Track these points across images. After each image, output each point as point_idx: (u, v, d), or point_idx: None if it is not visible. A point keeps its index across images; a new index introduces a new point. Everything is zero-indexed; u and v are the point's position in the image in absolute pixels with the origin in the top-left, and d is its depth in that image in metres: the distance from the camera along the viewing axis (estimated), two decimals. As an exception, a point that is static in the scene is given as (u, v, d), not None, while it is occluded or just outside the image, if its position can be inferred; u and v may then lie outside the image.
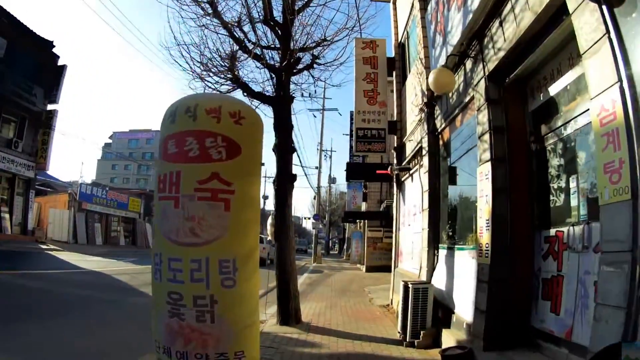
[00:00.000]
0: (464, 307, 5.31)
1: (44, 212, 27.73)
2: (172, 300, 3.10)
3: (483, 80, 5.14)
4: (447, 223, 6.68)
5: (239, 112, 3.31)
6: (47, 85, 23.49)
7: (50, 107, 24.16)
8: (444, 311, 6.00)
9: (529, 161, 4.82)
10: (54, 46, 24.37)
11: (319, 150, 31.67)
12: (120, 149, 73.05)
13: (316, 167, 31.88)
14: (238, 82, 7.82)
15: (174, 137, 3.29)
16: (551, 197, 4.48)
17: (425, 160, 7.26)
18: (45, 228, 27.18)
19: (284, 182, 7.56)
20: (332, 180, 48.97)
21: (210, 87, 7.86)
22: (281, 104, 7.79)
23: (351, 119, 23.57)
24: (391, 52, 11.65)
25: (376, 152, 10.72)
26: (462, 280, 5.59)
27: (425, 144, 7.37)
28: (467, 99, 5.70)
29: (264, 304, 8.51)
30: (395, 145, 10.67)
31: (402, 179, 10.22)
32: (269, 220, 7.74)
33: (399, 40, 11.32)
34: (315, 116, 33.79)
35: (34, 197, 24.56)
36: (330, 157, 48.44)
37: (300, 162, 33.57)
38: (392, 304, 10.04)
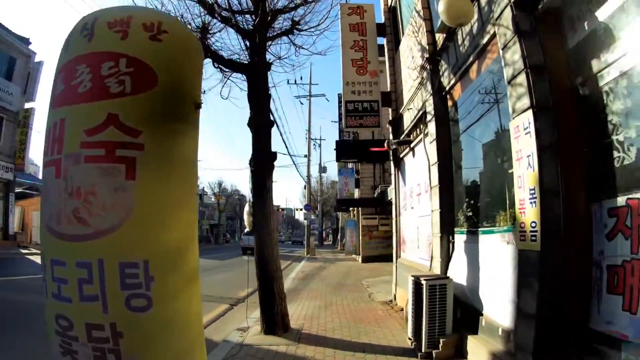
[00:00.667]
0: (498, 308, 4.08)
1: (28, 215, 26.28)
2: (60, 328, 1.85)
3: (509, 8, 3.89)
4: (464, 201, 5.42)
5: (158, 25, 2.02)
6: (24, 83, 22.91)
7: (27, 105, 23.40)
8: (466, 312, 4.78)
9: (578, 109, 3.58)
10: (30, 43, 23.54)
11: (308, 137, 30.37)
12: None
13: (305, 156, 30.58)
14: (207, 51, 6.52)
15: (63, 70, 2.01)
16: (615, 154, 3.25)
17: (432, 127, 5.99)
18: (30, 232, 25.70)
19: (262, 161, 6.29)
20: (322, 169, 47.74)
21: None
22: (256, 71, 6.53)
23: (339, 102, 22.27)
24: (381, 19, 10.38)
25: (369, 127, 9.39)
26: (492, 272, 4.35)
27: (430, 108, 6.09)
28: (485, 40, 4.43)
29: (246, 307, 7.32)
30: (391, 118, 9.41)
31: (401, 155, 8.94)
32: (246, 209, 6.45)
33: (389, 4, 10.04)
34: (302, 103, 32.37)
35: (14, 200, 23.42)
36: (320, 145, 47.12)
37: (288, 151, 32.27)
38: (395, 299, 8.85)
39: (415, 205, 7.62)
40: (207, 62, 6.66)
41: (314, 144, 44.91)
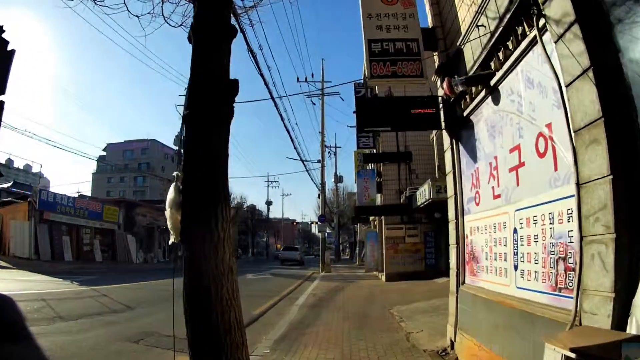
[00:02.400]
0: None
1: (6, 225, 23.63)
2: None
3: None
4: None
5: None
6: (-5, 75, 19.82)
7: (-3, 98, 20.28)
8: None
9: None
10: (3, 31, 20.84)
11: (321, 140, 27.22)
12: (115, 161, 69.03)
13: (318, 161, 27.38)
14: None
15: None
16: None
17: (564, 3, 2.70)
18: (7, 244, 23.03)
19: (207, 98, 3.09)
20: (338, 179, 44.47)
21: None
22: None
23: (356, 92, 19.13)
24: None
25: (407, 78, 5.99)
26: None
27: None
28: None
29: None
30: (439, 63, 6.13)
31: (465, 113, 5.49)
32: (170, 194, 3.05)
33: None
34: (314, 103, 29.44)
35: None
36: (335, 153, 44.00)
37: (300, 155, 29.05)
38: (452, 348, 5.52)
39: (508, 190, 4.22)
40: None
41: (329, 152, 41.82)
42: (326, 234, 29.21)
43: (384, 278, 17.12)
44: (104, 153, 79.24)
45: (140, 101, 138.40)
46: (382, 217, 17.89)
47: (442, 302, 9.45)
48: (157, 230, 37.24)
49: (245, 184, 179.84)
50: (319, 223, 25.76)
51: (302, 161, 26.74)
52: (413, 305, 9.88)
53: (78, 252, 26.57)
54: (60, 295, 10.80)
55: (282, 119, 20.49)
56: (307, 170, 28.50)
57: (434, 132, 15.43)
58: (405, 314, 8.82)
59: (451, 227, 6.06)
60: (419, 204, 15.48)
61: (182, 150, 37.42)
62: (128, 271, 21.92)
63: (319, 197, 27.57)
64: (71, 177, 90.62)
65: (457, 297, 5.70)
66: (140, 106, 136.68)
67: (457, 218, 5.81)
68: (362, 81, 20.63)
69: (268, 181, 67.22)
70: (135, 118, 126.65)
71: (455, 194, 5.91)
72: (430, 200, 13.85)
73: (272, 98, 19.25)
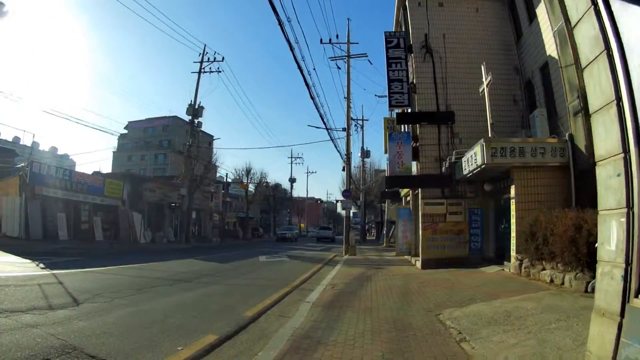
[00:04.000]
0: None
1: (-2, 201, 21.75)
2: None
3: None
4: None
5: None
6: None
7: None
8: None
9: None
10: None
11: (347, 105, 24.08)
12: (137, 139, 67.49)
13: (344, 129, 24.31)
14: None
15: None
16: None
17: None
18: (-1, 222, 21.21)
19: None
20: (365, 154, 41.34)
21: None
22: None
23: (386, 43, 15.87)
24: None
25: None
26: None
27: None
28: None
29: None
30: None
31: None
32: None
33: None
34: (339, 68, 26.23)
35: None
36: (362, 127, 40.88)
37: (325, 123, 26.09)
38: None
39: None
40: None
41: (355, 125, 38.62)
42: (351, 213, 26.36)
43: (419, 264, 14.16)
44: (126, 131, 78.02)
45: (162, 75, 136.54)
46: (419, 190, 14.82)
47: (511, 306, 6.60)
48: (168, 207, 35.20)
49: (267, 160, 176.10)
50: (343, 199, 22.82)
51: (327, 129, 23.81)
52: (470, 308, 6.95)
53: (75, 231, 24.42)
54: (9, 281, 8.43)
55: (306, 82, 17.38)
56: (332, 139, 25.51)
57: (485, 82, 12.25)
58: (464, 324, 5.89)
59: (603, 173, 3.06)
60: (465, 173, 12.40)
61: (194, 120, 35.45)
62: (126, 253, 19.66)
63: (343, 169, 24.60)
64: (95, 157, 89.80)
65: (620, 324, 2.73)
66: (162, 81, 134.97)
67: (626, 151, 2.79)
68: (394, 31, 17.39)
69: (292, 157, 64.55)
70: (156, 94, 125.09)
71: (620, 97, 2.88)
72: (482, 167, 10.80)
73: (293, 54, 16.32)
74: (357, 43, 43.20)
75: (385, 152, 21.92)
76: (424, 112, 14.66)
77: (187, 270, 13.12)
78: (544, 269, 8.99)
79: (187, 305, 7.46)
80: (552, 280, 8.44)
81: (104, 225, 27.71)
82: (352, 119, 35.26)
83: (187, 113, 31.81)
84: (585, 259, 7.20)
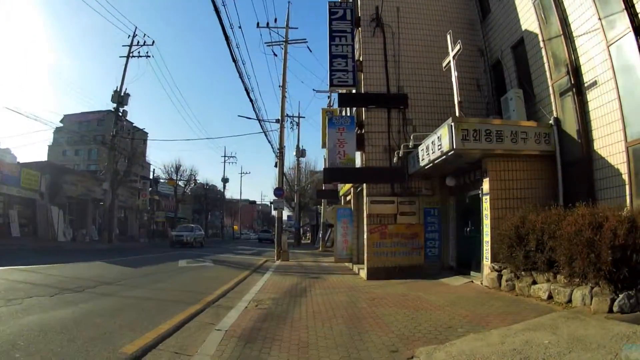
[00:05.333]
0: None
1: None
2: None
3: None
4: None
5: None
6: None
7: None
8: None
9: None
10: None
11: (282, 94, 21.52)
12: (71, 133, 60.96)
13: (277, 120, 21.68)
14: None
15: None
16: None
17: None
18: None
19: None
20: (300, 153, 38.92)
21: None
22: None
23: (331, 14, 13.49)
24: None
25: None
26: None
27: None
28: None
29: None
30: None
31: None
32: None
33: None
34: (275, 55, 23.64)
35: None
36: (298, 124, 38.54)
37: (256, 113, 23.43)
38: None
39: None
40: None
41: (291, 122, 36.15)
42: (285, 215, 23.81)
43: (364, 274, 11.84)
44: (61, 124, 71.06)
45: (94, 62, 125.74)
46: (363, 185, 12.54)
47: (520, 341, 4.45)
48: (92, 203, 31.36)
49: (201, 158, 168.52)
50: (274, 198, 20.17)
51: (258, 120, 21.11)
52: (457, 345, 4.62)
53: (-15, 227, 20.88)
54: None
55: (236, 62, 14.68)
56: (264, 132, 22.80)
57: (452, 53, 10.25)
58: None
59: None
60: (422, 164, 10.28)
61: (120, 109, 31.40)
62: (35, 252, 17.60)
63: (275, 165, 21.94)
64: (33, 151, 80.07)
65: None
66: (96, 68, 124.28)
67: None
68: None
69: (225, 156, 60.89)
70: (95, 82, 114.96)
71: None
72: (449, 155, 8.71)
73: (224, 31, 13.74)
74: (297, 28, 40.94)
75: (323, 147, 19.58)
76: (372, 93, 12.45)
77: (87, 275, 10.88)
78: (534, 282, 6.97)
79: (53, 331, 5.12)
80: (550, 297, 6.41)
81: (21, 220, 24.43)
82: (287, 115, 32.84)
83: (112, 100, 28.44)
84: (607, 268, 5.15)
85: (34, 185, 25.50)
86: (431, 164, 9.85)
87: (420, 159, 10.43)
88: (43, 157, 61.38)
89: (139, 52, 29.14)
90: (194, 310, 6.90)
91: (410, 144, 11.02)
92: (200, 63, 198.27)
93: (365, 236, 11.91)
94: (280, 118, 21.26)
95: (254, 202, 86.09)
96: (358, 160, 12.76)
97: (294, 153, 38.39)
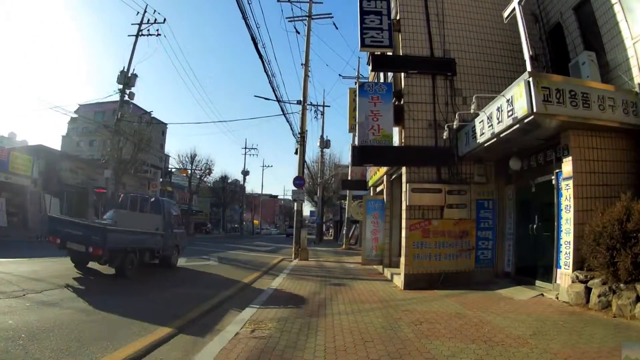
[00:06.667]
0: None
1: None
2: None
3: None
4: None
5: None
6: None
7: None
8: None
9: None
10: None
11: (304, 73, 19.26)
12: (86, 123, 60.21)
13: (299, 102, 19.41)
14: None
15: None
16: None
17: None
18: None
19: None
20: (324, 143, 36.55)
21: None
22: None
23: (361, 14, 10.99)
24: None
25: None
26: None
27: None
28: None
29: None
30: None
31: None
32: None
33: None
34: (298, 32, 21.32)
35: None
36: (322, 113, 36.01)
37: (274, 90, 21.15)
38: None
39: None
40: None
41: (316, 111, 33.73)
42: (307, 209, 21.60)
43: (399, 281, 9.45)
44: (76, 115, 70.58)
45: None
46: (402, 169, 10.12)
47: None
48: (94, 192, 29.67)
49: (220, 151, 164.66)
50: (293, 188, 17.91)
51: (278, 100, 18.86)
52: None
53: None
54: None
55: (255, 41, 12.49)
56: (284, 114, 20.65)
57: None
58: None
59: None
60: (480, 141, 7.85)
61: (126, 90, 29.77)
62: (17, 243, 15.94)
63: (296, 152, 19.65)
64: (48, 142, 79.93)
65: None
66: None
67: None
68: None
69: (245, 147, 58.98)
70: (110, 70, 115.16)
71: None
72: (522, 123, 6.32)
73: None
74: (322, 2, 38.41)
75: (351, 131, 17.25)
76: (414, 56, 10.01)
77: (57, 272, 9.17)
78: (641, 299, 4.68)
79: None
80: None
81: (9, 208, 22.67)
82: (311, 103, 30.46)
83: (118, 81, 26.52)
84: None
85: (26, 170, 23.60)
86: (494, 139, 7.41)
87: (479, 134, 7.97)
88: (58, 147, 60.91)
89: (148, 30, 27.14)
90: (152, 341, 4.81)
91: (456, 123, 8.53)
92: (216, 45, 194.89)
93: (403, 234, 9.49)
94: (302, 99, 18.97)
95: (275, 197, 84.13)
96: (396, 137, 10.31)
97: (318, 144, 36.04)
